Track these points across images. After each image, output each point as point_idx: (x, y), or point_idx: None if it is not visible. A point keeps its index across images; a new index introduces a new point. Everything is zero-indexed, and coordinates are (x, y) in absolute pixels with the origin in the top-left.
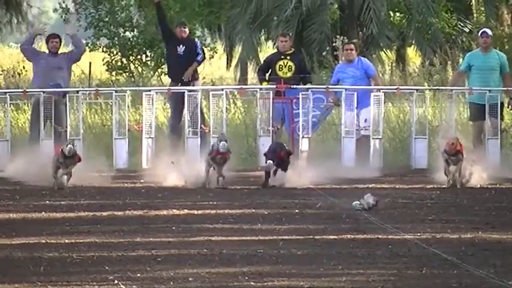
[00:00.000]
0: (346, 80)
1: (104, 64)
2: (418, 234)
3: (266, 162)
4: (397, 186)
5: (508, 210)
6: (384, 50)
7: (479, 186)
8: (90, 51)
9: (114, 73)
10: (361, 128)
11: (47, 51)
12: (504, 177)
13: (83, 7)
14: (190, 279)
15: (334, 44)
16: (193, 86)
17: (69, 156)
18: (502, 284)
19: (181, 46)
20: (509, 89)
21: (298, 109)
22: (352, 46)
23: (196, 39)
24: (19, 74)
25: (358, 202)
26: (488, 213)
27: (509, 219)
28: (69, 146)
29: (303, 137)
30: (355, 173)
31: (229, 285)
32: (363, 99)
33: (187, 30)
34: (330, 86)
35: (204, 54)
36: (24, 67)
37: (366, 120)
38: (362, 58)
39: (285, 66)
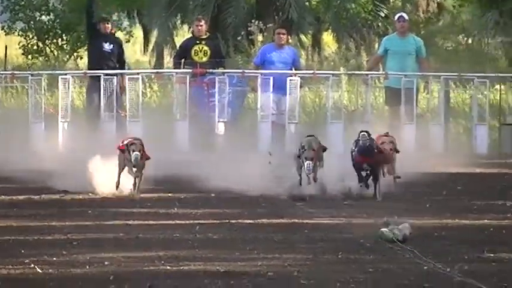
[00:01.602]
0: (277, 64)
1: (20, 48)
2: (334, 218)
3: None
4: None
5: (425, 195)
6: (302, 34)
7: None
8: (6, 34)
9: (30, 57)
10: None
11: None
12: (419, 164)
13: None
14: (106, 263)
15: (249, 29)
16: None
17: (136, 164)
18: (418, 266)
19: (108, 43)
20: (424, 73)
21: (214, 93)
22: (284, 31)
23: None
24: None
25: (387, 230)
26: (405, 198)
27: (424, 205)
28: (135, 153)
29: (219, 121)
30: (273, 157)
31: (145, 269)
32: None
33: (110, 25)
34: (246, 71)
35: None
36: None
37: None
38: (292, 47)
39: (201, 51)
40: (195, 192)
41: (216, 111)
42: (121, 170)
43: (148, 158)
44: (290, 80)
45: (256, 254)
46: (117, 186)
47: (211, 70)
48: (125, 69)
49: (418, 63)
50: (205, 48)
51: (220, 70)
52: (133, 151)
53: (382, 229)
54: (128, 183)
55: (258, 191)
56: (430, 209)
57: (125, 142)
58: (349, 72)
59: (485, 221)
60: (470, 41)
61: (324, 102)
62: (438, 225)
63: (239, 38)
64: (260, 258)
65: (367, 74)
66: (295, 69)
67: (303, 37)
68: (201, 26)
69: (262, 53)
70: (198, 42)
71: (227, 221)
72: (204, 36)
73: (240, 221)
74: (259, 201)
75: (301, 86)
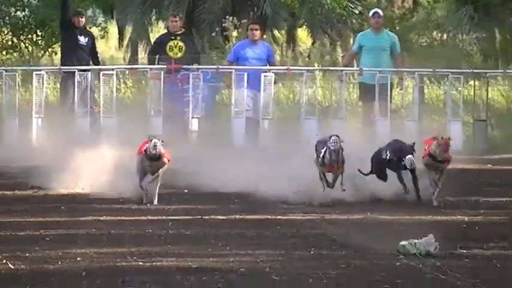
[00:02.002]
0: (251, 60)
1: None
2: (306, 215)
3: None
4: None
5: (398, 191)
6: (277, 30)
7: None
8: None
9: (4, 52)
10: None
11: None
12: None
13: None
14: (78, 259)
15: (224, 25)
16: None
17: (155, 157)
18: (391, 262)
19: (83, 36)
20: (399, 69)
21: (189, 89)
22: (257, 26)
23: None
24: None
25: (409, 243)
26: (378, 194)
27: (397, 201)
28: (154, 140)
29: (192, 117)
30: (246, 153)
31: (117, 265)
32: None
33: (84, 19)
34: (220, 66)
35: None
36: None
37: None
38: (267, 43)
39: (176, 47)
40: (168, 188)
41: (190, 107)
42: (142, 175)
43: (168, 161)
44: (264, 76)
45: (229, 250)
46: (146, 195)
47: (186, 66)
48: (99, 61)
49: (392, 59)
50: (180, 44)
51: (195, 66)
52: (152, 139)
53: (403, 242)
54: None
55: (231, 187)
56: (403, 205)
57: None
58: (323, 68)
59: (459, 217)
60: (444, 36)
61: (298, 98)
62: (410, 221)
63: (214, 34)
64: (232, 254)
65: (341, 70)
66: (270, 65)
67: (277, 33)
68: (176, 21)
69: (236, 50)
70: (173, 38)
71: (200, 217)
72: (179, 32)
73: (212, 217)
74: (232, 197)
75: (275, 82)
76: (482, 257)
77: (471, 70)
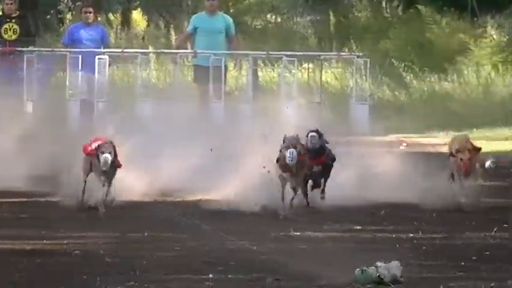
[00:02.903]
0: (85, 42)
1: None
2: (146, 197)
3: None
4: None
5: (232, 173)
6: (111, 13)
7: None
8: None
9: None
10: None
11: None
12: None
13: None
14: None
15: (59, 7)
16: None
17: (105, 169)
18: (226, 244)
19: None
20: (233, 52)
21: (22, 70)
22: (91, 9)
23: None
24: None
25: (374, 269)
26: (215, 176)
27: (230, 184)
28: (105, 155)
29: (27, 100)
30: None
31: None
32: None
33: None
34: (55, 49)
35: None
36: None
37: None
38: (101, 26)
39: (10, 29)
40: (1, 171)
41: (25, 89)
42: (86, 175)
43: (120, 166)
44: (99, 58)
45: (63, 232)
46: (83, 195)
47: (20, 49)
48: None
49: (227, 41)
50: (15, 26)
51: (30, 48)
52: (103, 153)
53: (364, 267)
54: None
55: (66, 170)
56: (235, 187)
57: (94, 145)
58: (157, 51)
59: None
60: (279, 19)
61: (133, 81)
62: (246, 204)
63: (49, 16)
64: (66, 236)
65: (176, 53)
66: (104, 48)
67: (111, 15)
68: (10, 4)
69: (70, 32)
70: (7, 20)
71: (34, 199)
72: (14, 15)
73: (48, 199)
74: (65, 179)
75: (110, 65)
76: (315, 239)
77: (305, 53)
